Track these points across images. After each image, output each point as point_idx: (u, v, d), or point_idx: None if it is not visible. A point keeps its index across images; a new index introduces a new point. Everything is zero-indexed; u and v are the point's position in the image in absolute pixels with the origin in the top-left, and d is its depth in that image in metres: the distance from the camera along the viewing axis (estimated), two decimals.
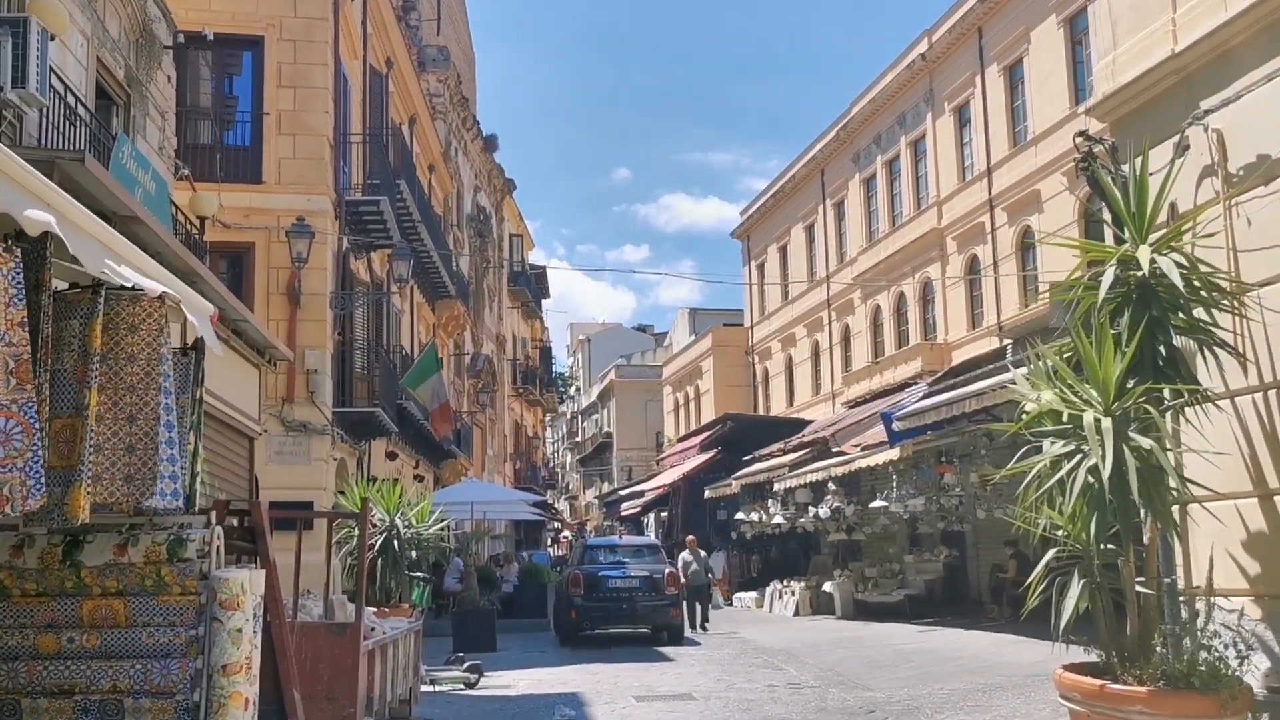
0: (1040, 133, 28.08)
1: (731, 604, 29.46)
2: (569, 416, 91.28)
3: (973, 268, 32.57)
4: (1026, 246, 29.99)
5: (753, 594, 28.35)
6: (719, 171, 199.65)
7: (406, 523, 14.46)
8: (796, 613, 24.63)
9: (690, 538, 22.53)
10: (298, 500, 16.62)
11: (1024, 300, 29.81)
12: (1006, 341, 22.15)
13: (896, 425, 18.17)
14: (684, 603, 20.04)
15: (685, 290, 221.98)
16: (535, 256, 59.00)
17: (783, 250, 47.07)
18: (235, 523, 7.81)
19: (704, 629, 20.76)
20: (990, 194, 30.65)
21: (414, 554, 14.43)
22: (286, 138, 17.70)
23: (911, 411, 17.82)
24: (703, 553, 22.02)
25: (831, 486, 22.34)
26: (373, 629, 9.16)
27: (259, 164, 17.60)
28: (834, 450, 23.09)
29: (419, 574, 13.44)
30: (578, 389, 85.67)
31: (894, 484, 19.48)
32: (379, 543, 14.11)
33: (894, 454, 18.64)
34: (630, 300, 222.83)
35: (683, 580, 20.36)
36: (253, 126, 17.68)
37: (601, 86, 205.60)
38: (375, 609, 14.23)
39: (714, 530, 33.56)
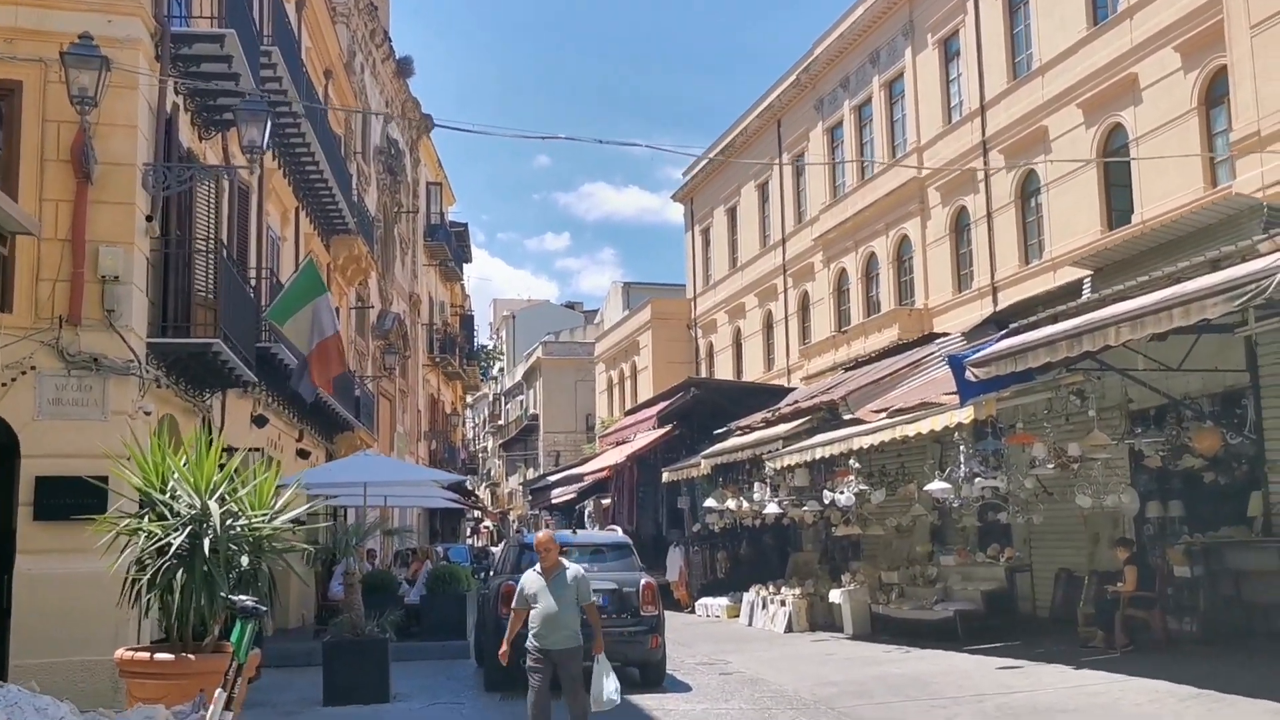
0: (1047, 61, 23.72)
1: (694, 612, 23.78)
2: (491, 399, 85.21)
3: (960, 220, 27.93)
4: (1030, 193, 25.29)
5: (723, 600, 22.70)
6: (640, 161, 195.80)
7: (231, 512, 8.58)
8: (790, 628, 19.02)
9: (540, 535, 9.26)
10: (83, 476, 10.59)
11: (1023, 257, 25.24)
12: (1084, 275, 16.93)
13: (973, 374, 12.62)
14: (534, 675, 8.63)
15: (608, 279, 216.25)
16: (457, 216, 52.68)
17: (731, 212, 42.47)
18: None
19: None
20: (984, 135, 26.19)
21: (245, 562, 8.56)
22: None
23: (1001, 352, 12.23)
24: (575, 569, 8.89)
25: (854, 464, 16.76)
26: None
27: None
28: (846, 417, 17.58)
29: (246, 599, 7.58)
30: (501, 369, 79.46)
31: (961, 458, 13.91)
32: (177, 543, 8.23)
33: (964, 414, 13.10)
34: (553, 289, 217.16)
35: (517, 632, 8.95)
36: None
37: (524, 74, 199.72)
38: (171, 655, 8.39)
39: (671, 520, 27.99)
